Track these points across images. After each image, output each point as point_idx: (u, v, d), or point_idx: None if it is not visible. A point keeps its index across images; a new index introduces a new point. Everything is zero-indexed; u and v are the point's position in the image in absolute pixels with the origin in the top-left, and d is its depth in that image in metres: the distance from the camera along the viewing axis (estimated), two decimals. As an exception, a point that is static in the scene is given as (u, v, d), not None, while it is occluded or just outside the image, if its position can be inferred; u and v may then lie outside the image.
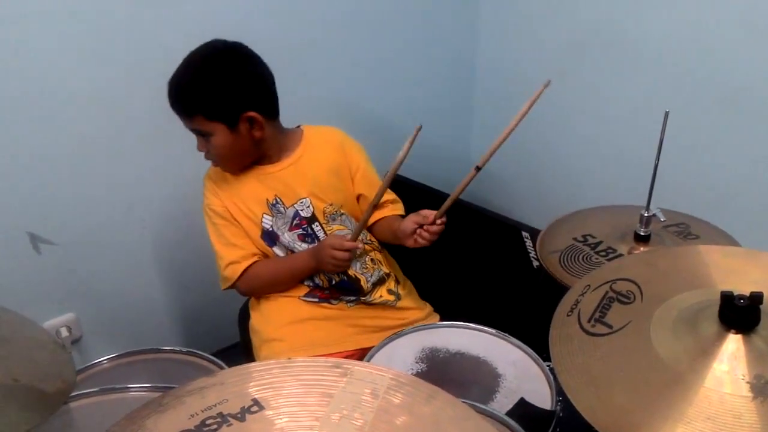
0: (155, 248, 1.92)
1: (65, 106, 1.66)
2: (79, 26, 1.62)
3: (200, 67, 1.40)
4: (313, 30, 1.96)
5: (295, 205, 1.51)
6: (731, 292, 0.86)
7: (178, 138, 1.83)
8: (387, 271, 1.59)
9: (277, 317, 1.54)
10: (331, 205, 1.54)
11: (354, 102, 2.11)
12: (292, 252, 1.53)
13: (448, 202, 1.40)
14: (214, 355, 1.32)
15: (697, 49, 1.76)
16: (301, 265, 1.51)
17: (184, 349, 1.36)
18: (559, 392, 1.18)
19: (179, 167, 1.87)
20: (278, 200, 1.50)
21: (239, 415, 0.68)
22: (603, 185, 2.06)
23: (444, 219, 1.42)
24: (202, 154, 1.48)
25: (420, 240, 1.43)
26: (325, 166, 1.54)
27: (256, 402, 0.70)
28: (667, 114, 1.14)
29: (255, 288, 1.56)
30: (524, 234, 1.71)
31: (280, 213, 1.51)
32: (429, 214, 1.41)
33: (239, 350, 1.75)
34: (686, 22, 1.77)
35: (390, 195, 1.62)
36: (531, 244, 1.69)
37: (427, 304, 1.65)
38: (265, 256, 1.53)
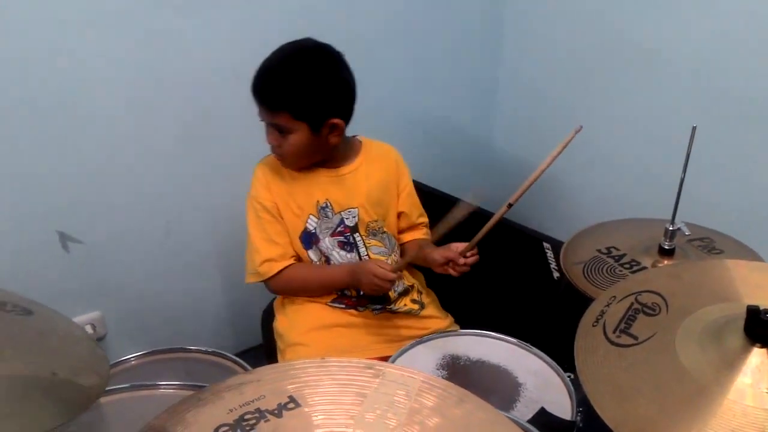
0: (180, 251, 1.95)
1: (98, 110, 1.70)
2: (114, 32, 1.66)
3: (297, 65, 1.39)
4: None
5: (342, 213, 1.52)
6: (757, 306, 0.86)
7: (206, 143, 1.88)
8: (411, 283, 1.61)
9: (303, 322, 1.55)
10: (375, 221, 1.55)
11: (384, 104, 2.13)
12: (327, 258, 1.53)
13: (477, 237, 1.36)
14: (236, 356, 1.34)
15: (723, 62, 1.77)
16: (336, 280, 1.52)
17: (210, 350, 1.39)
18: (580, 403, 1.18)
19: (205, 172, 1.91)
20: (328, 204, 1.51)
21: (276, 411, 0.70)
22: (626, 198, 2.07)
23: (475, 251, 1.39)
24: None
25: (451, 272, 1.41)
26: (379, 181, 1.56)
27: (292, 399, 0.72)
28: (694, 129, 1.15)
29: (285, 290, 1.57)
30: (545, 245, 1.72)
31: (327, 217, 1.52)
32: (457, 248, 1.39)
33: (262, 352, 1.77)
34: (714, 34, 1.78)
35: (424, 218, 1.66)
36: (552, 255, 1.70)
37: (449, 314, 1.66)
38: (298, 258, 1.54)
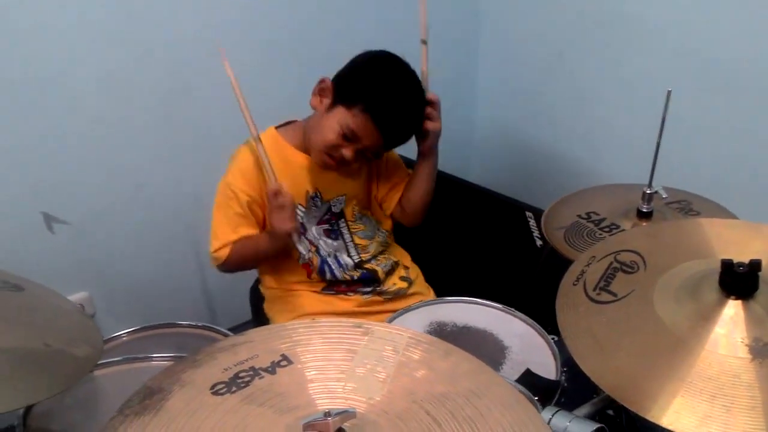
0: (165, 228, 1.96)
1: (77, 87, 1.69)
2: (92, 9, 1.65)
3: (422, 112, 1.46)
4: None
5: (331, 201, 1.52)
6: (731, 260, 0.90)
7: (187, 120, 1.88)
8: (396, 260, 1.63)
9: (291, 309, 1.55)
10: (357, 204, 1.57)
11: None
12: (317, 248, 1.53)
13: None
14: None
15: (698, 27, 1.79)
16: (262, 239, 1.47)
17: (200, 324, 1.40)
18: (564, 363, 1.22)
19: (188, 148, 1.91)
20: (318, 194, 1.50)
21: (270, 369, 0.73)
22: (605, 165, 2.10)
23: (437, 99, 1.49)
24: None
25: (433, 120, 1.49)
26: (362, 171, 1.56)
27: (285, 357, 0.74)
28: (669, 93, 1.18)
29: (235, 269, 1.54)
30: (528, 214, 1.75)
31: (315, 207, 1.51)
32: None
33: (251, 327, 1.78)
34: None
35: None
36: (534, 224, 1.73)
37: (431, 288, 1.68)
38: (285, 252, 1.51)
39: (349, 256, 1.55)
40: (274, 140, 1.48)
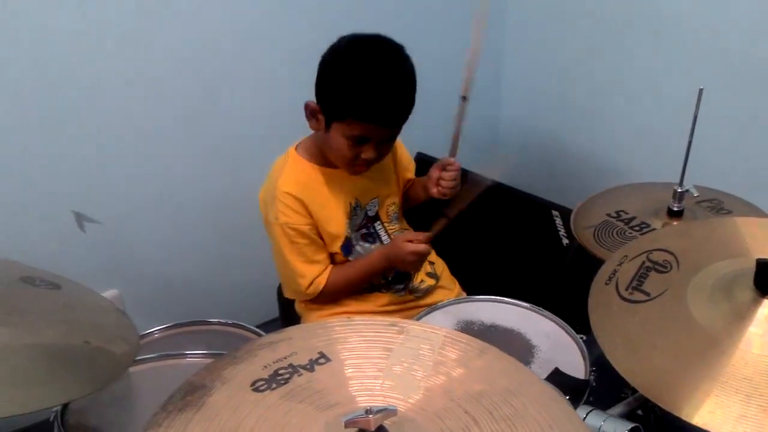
0: (194, 228, 1.98)
1: (109, 88, 1.72)
2: (120, 9, 1.67)
3: (411, 75, 1.37)
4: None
5: (367, 206, 1.52)
6: (766, 259, 0.89)
7: (217, 120, 1.90)
8: None
9: (326, 309, 1.55)
10: (393, 204, 1.57)
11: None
12: (359, 255, 1.52)
13: (454, 142, 1.45)
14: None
15: (729, 25, 1.77)
16: (376, 269, 1.49)
17: (230, 321, 1.42)
18: (593, 363, 1.22)
19: (218, 152, 1.93)
20: (358, 203, 1.50)
21: (308, 366, 0.74)
22: (632, 164, 2.08)
23: (457, 166, 1.46)
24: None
25: (445, 187, 1.47)
26: (389, 164, 1.56)
27: (323, 355, 0.75)
28: (701, 91, 1.17)
29: (332, 298, 1.52)
30: (554, 213, 1.75)
31: (356, 216, 1.50)
32: (443, 158, 1.47)
33: (278, 325, 1.80)
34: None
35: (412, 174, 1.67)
36: (561, 223, 1.73)
37: (456, 281, 1.68)
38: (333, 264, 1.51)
39: None
40: (302, 165, 1.46)
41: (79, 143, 1.72)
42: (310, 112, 1.40)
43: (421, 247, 1.41)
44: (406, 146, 1.65)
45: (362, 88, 1.32)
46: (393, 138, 1.42)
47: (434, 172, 1.48)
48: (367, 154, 1.38)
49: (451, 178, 1.46)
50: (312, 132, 1.46)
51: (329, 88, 1.36)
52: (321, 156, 1.45)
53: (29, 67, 1.60)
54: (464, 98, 1.40)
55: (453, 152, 1.46)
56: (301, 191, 1.42)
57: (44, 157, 1.69)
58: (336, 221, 1.47)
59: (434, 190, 1.48)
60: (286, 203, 1.41)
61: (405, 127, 1.61)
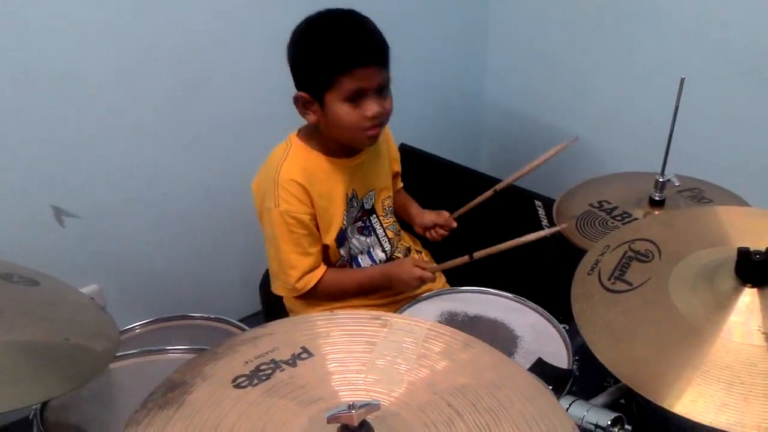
0: (176, 221, 1.95)
1: (88, 83, 1.69)
2: (101, 6, 1.64)
3: (372, 22, 1.36)
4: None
5: (363, 198, 1.51)
6: (747, 248, 0.90)
7: (200, 113, 1.88)
8: (408, 246, 1.63)
9: (315, 303, 1.53)
10: (388, 197, 1.56)
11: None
12: (349, 247, 1.51)
13: (463, 210, 1.59)
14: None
15: (710, 13, 1.77)
16: (374, 283, 1.49)
17: (213, 316, 1.41)
18: (575, 352, 1.22)
19: (201, 144, 1.91)
20: (354, 194, 1.48)
21: (291, 361, 0.73)
22: (614, 154, 2.09)
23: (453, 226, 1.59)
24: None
25: (434, 235, 1.60)
26: (381, 154, 1.55)
27: (305, 350, 0.75)
28: (682, 81, 1.17)
29: (322, 299, 1.50)
30: (537, 203, 1.75)
31: (353, 207, 1.48)
32: (447, 216, 1.58)
33: (261, 318, 1.79)
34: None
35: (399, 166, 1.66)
36: (543, 213, 1.73)
37: (442, 273, 1.69)
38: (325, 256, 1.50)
39: (383, 251, 1.55)
40: (306, 152, 1.43)
41: (58, 136, 1.69)
42: (302, 104, 1.38)
43: (429, 275, 1.43)
44: (389, 137, 1.66)
45: (332, 40, 1.32)
46: (386, 84, 1.37)
47: (430, 218, 1.60)
48: (371, 109, 1.33)
49: (445, 234, 1.59)
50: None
51: (304, 63, 1.35)
52: (322, 144, 1.43)
53: (6, 59, 1.57)
54: (496, 191, 1.61)
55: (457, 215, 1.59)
56: (306, 178, 1.39)
57: (21, 150, 1.66)
58: (334, 211, 1.45)
59: (424, 233, 1.61)
60: (290, 190, 1.38)
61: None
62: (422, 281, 1.44)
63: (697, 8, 1.80)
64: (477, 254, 1.41)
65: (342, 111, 1.33)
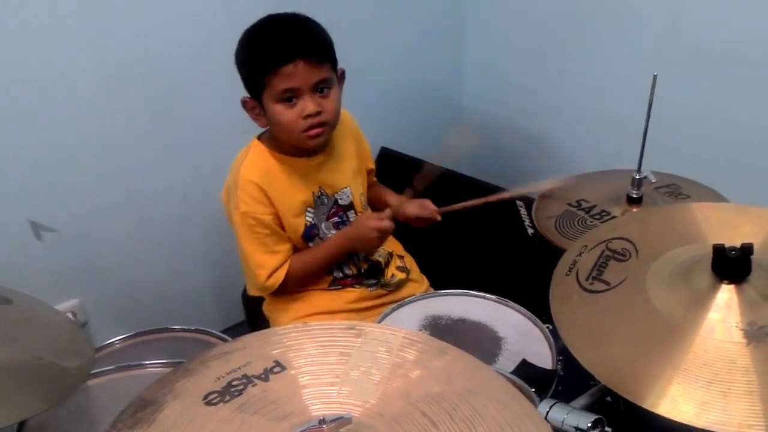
0: (156, 232, 1.94)
1: (63, 92, 1.66)
2: (78, 10, 1.63)
3: (310, 19, 1.37)
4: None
5: (336, 195, 1.51)
6: (723, 244, 0.89)
7: (176, 121, 1.86)
8: (390, 250, 1.62)
9: (297, 308, 1.54)
10: (362, 194, 1.56)
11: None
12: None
13: (450, 208, 1.51)
14: (220, 333, 1.35)
15: (683, 9, 1.78)
16: (336, 252, 1.49)
17: (193, 328, 1.40)
18: (560, 352, 1.22)
19: (177, 152, 1.89)
20: (322, 191, 1.48)
21: (263, 376, 0.72)
22: (593, 152, 2.09)
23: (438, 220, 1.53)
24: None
25: (416, 223, 1.53)
26: (352, 151, 1.55)
27: (278, 363, 0.74)
28: (655, 77, 1.17)
29: (293, 287, 1.51)
30: (518, 203, 1.75)
31: (323, 204, 1.50)
32: (431, 205, 1.52)
33: (245, 328, 1.78)
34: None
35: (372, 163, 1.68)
36: (525, 213, 1.73)
37: (425, 277, 1.68)
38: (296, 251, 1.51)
39: None
40: (264, 154, 1.45)
41: (33, 145, 1.67)
42: (249, 108, 1.40)
43: (385, 223, 1.43)
44: (369, 141, 1.65)
45: (260, 41, 1.34)
46: (324, 84, 1.35)
47: (413, 211, 1.52)
48: (307, 107, 1.33)
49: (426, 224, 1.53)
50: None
51: (241, 67, 1.37)
52: (279, 145, 1.44)
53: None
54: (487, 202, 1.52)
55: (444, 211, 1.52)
56: (263, 179, 1.41)
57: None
58: (297, 210, 1.46)
59: (406, 221, 1.53)
60: (249, 192, 1.41)
61: (368, 122, 1.61)
62: (381, 231, 1.43)
63: (668, 5, 1.81)
64: (419, 185, 1.51)
65: (277, 111, 1.34)
